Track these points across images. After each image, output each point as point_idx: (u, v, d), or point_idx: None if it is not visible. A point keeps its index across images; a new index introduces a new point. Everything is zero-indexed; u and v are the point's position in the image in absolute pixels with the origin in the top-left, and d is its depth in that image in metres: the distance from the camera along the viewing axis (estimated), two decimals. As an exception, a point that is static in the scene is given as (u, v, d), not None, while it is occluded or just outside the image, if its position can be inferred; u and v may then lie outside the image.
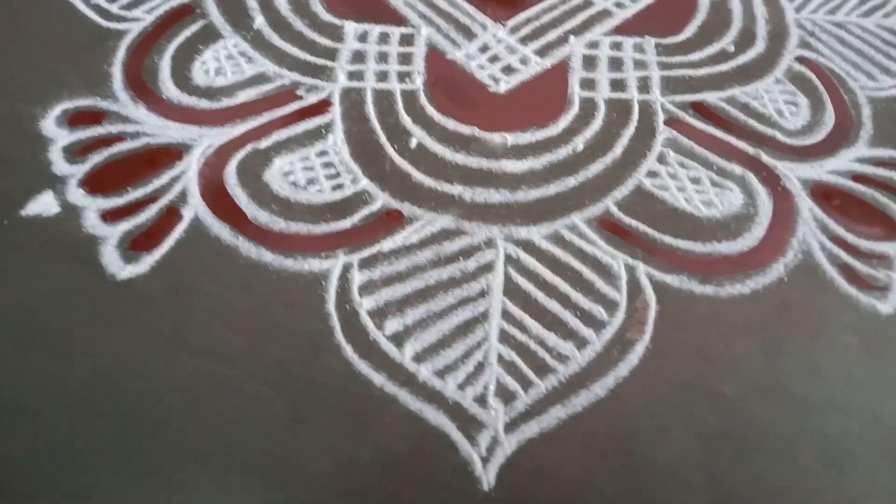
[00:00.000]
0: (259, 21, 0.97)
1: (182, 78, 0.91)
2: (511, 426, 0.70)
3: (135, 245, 0.77)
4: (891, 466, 0.71)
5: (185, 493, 0.66)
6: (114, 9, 0.97)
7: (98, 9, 0.97)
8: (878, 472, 0.70)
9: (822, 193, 0.87)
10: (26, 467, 0.66)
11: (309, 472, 0.67)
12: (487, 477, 0.67)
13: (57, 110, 0.87)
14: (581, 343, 0.74)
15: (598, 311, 0.76)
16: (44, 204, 0.80)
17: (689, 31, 1.01)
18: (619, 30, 1.01)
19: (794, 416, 0.73)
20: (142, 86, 0.89)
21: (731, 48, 1.00)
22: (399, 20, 1.00)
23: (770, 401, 0.73)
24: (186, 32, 0.95)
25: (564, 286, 0.78)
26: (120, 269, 0.76)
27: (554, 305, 0.77)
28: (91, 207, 0.79)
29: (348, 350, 0.73)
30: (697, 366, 0.75)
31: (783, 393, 0.74)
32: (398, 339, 0.74)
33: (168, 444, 0.68)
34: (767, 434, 0.72)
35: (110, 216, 0.79)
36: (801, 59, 0.99)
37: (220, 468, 0.67)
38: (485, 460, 0.68)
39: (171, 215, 0.80)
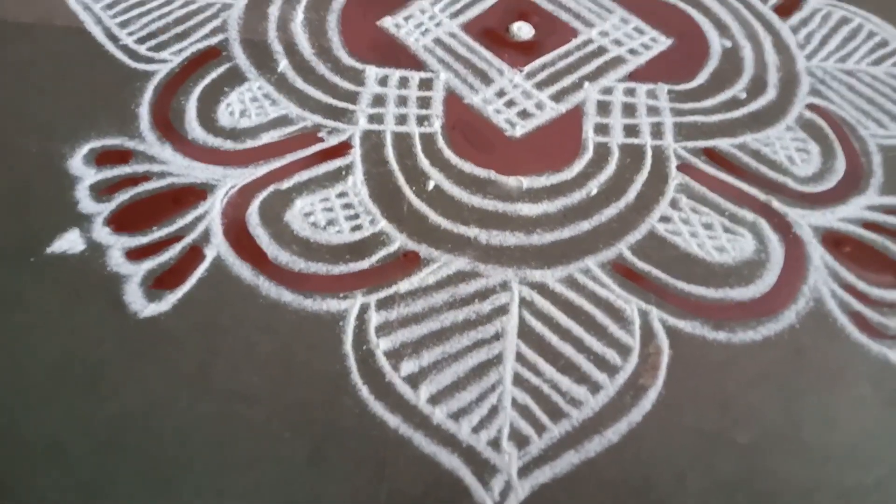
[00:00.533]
0: (283, 64, 1.00)
1: (208, 119, 0.93)
2: (524, 471, 0.70)
3: (158, 283, 0.79)
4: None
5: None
6: (142, 50, 1.00)
7: (127, 50, 1.00)
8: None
9: (834, 241, 0.88)
10: (55, 502, 0.67)
11: (324, 513, 0.68)
12: (501, 522, 0.68)
13: (85, 149, 0.89)
14: (594, 388, 0.75)
15: (612, 355, 0.77)
16: (70, 241, 0.82)
17: (702, 78, 1.04)
18: (633, 76, 1.03)
19: (810, 467, 0.73)
20: (168, 126, 0.92)
21: (743, 95, 1.02)
22: (419, 65, 1.02)
23: (786, 450, 0.73)
24: (213, 75, 0.98)
25: (578, 330, 0.79)
26: (143, 307, 0.77)
27: (568, 349, 0.78)
28: (116, 246, 0.81)
29: (364, 391, 0.74)
30: (712, 413, 0.75)
31: (799, 442, 0.74)
32: (413, 380, 0.75)
33: (191, 484, 0.68)
34: (784, 484, 0.71)
35: (135, 254, 0.81)
36: (812, 107, 1.01)
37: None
38: (499, 505, 0.69)
39: (193, 254, 0.81)
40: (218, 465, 0.69)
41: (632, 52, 1.06)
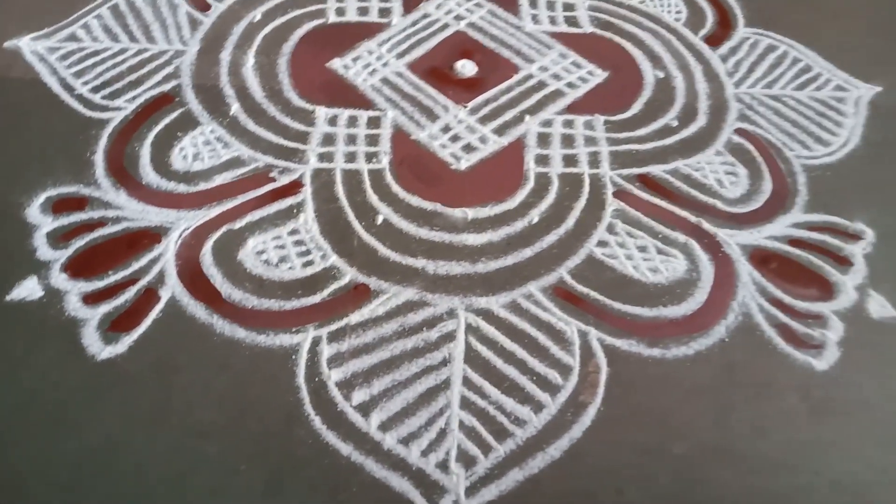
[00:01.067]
0: (235, 108, 1.04)
1: (161, 164, 0.97)
2: (471, 490, 0.73)
3: (114, 326, 0.82)
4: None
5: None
6: (97, 99, 1.04)
7: (82, 99, 1.04)
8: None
9: (761, 258, 0.93)
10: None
11: (279, 541, 0.71)
12: (449, 541, 0.71)
13: (42, 198, 0.92)
14: (537, 407, 0.79)
15: (553, 375, 0.81)
16: (28, 289, 0.84)
17: (636, 108, 1.09)
18: (571, 108, 1.09)
19: (742, 475, 0.77)
20: (123, 172, 0.95)
21: (675, 123, 1.08)
22: (367, 104, 1.07)
23: (719, 460, 0.78)
24: (166, 120, 1.02)
25: (522, 352, 0.83)
26: (100, 349, 0.80)
27: (512, 371, 0.81)
28: (73, 291, 0.84)
29: (317, 421, 0.77)
30: (649, 427, 0.79)
31: (732, 452, 0.78)
32: (364, 408, 0.78)
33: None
34: (718, 493, 0.75)
35: (91, 299, 0.84)
36: (740, 132, 1.07)
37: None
38: (447, 525, 0.72)
39: (149, 296, 0.84)
40: (177, 499, 0.72)
41: (570, 85, 1.12)
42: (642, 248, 0.93)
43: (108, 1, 1.16)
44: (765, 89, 1.14)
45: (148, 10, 1.15)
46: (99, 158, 0.97)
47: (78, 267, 0.86)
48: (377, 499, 0.73)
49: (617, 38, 1.20)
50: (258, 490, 0.73)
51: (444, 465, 0.75)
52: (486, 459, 0.76)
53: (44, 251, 0.87)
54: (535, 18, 1.21)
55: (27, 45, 1.10)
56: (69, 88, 1.05)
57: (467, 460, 0.75)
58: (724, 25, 1.24)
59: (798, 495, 0.76)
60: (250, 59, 1.11)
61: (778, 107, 1.12)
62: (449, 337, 0.84)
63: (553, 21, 1.21)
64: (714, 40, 1.21)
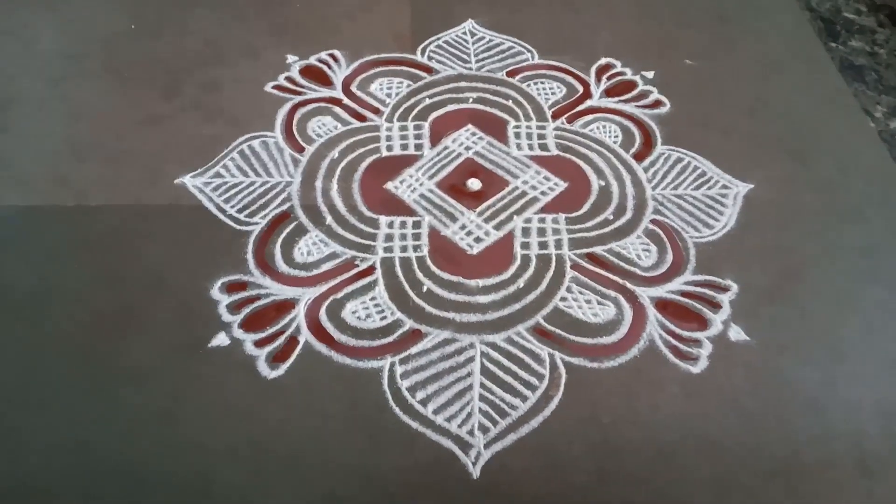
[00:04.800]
0: (329, 220, 1.63)
1: (288, 258, 1.55)
2: (487, 445, 1.30)
3: (275, 359, 1.39)
4: (697, 454, 1.30)
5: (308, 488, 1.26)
6: (242, 217, 1.62)
7: (232, 218, 1.62)
8: (691, 460, 1.30)
9: (662, 304, 1.50)
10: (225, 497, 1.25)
11: (378, 476, 1.26)
12: (475, 472, 1.27)
13: (218, 283, 1.50)
14: (524, 398, 1.35)
15: (533, 380, 1.38)
16: (220, 339, 1.42)
17: (586, 207, 1.68)
18: (543, 209, 1.67)
19: (643, 433, 1.32)
20: (266, 264, 1.54)
21: (611, 217, 1.66)
22: (411, 212, 1.65)
23: (630, 426, 1.33)
24: (287, 230, 1.61)
25: (514, 367, 1.40)
26: (269, 373, 1.37)
27: (508, 378, 1.38)
28: (248, 340, 1.42)
29: (397, 410, 1.33)
30: (589, 408, 1.35)
31: (637, 421, 1.34)
32: (424, 402, 1.35)
33: (300, 473, 1.27)
34: (626, 441, 1.31)
35: (259, 343, 1.41)
36: (654, 221, 1.65)
37: (330, 478, 1.26)
38: (474, 464, 1.27)
39: (292, 341, 1.42)
40: (321, 455, 1.27)
41: (542, 193, 1.70)
42: (588, 301, 1.50)
43: (236, 147, 1.76)
44: (672, 190, 1.72)
45: (263, 153, 1.75)
46: (249, 256, 1.55)
47: (248, 324, 1.44)
48: (434, 451, 1.29)
49: (574, 158, 1.78)
50: (365, 448, 1.29)
51: (471, 432, 1.31)
52: (495, 429, 1.32)
53: (226, 316, 1.45)
54: (518, 146, 1.81)
55: (189, 181, 1.69)
56: (222, 210, 1.64)
57: (484, 429, 1.32)
58: (648, 144, 1.82)
59: (675, 446, 1.31)
60: (334, 185, 1.70)
61: (681, 203, 1.69)
62: (471, 359, 1.41)
63: (531, 147, 1.80)
64: (640, 156, 1.79)
